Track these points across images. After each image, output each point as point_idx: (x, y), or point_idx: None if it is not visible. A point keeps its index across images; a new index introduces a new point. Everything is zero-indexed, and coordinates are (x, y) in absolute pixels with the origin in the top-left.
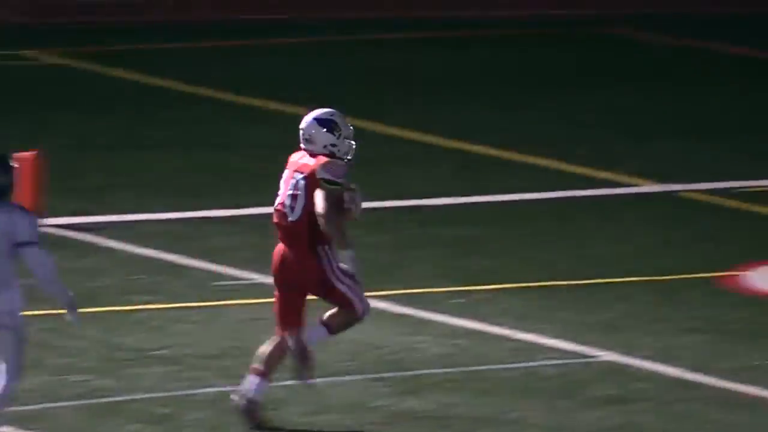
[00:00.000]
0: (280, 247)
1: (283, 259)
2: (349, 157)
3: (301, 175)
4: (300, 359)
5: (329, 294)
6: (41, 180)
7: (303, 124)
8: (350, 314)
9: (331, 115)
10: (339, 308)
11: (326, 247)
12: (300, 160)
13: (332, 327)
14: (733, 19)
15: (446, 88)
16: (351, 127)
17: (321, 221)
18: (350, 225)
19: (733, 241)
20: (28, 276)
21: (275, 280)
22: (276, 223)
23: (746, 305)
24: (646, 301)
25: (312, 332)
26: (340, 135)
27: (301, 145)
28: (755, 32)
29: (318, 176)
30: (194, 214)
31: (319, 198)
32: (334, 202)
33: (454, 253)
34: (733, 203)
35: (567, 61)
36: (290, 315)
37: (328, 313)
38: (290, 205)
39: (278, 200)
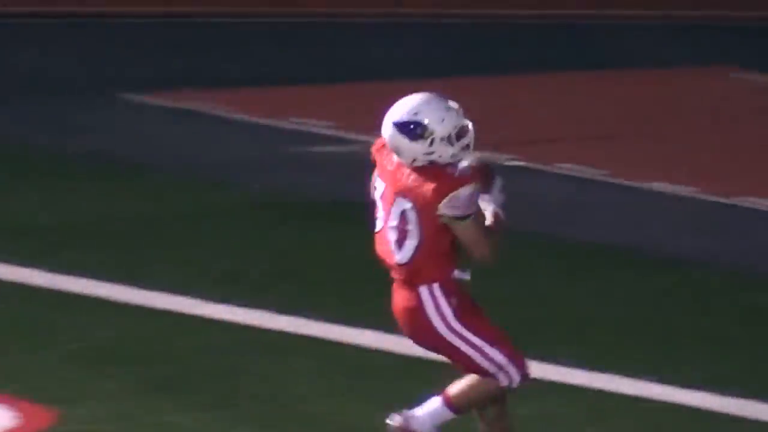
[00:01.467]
0: (396, 289)
1: (400, 306)
2: (468, 143)
3: (410, 205)
4: None
5: (452, 354)
6: None
7: (385, 132)
8: (488, 383)
9: (415, 114)
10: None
11: (436, 285)
12: (403, 176)
13: (455, 401)
14: None
15: None
16: (450, 108)
17: (485, 259)
18: None
19: None
20: None
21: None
22: (380, 258)
23: None
24: None
25: (428, 413)
26: (432, 138)
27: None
28: None
29: (442, 213)
30: None
31: (468, 240)
32: (481, 226)
33: None
34: None
35: None
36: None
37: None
38: (396, 241)
39: (379, 224)
